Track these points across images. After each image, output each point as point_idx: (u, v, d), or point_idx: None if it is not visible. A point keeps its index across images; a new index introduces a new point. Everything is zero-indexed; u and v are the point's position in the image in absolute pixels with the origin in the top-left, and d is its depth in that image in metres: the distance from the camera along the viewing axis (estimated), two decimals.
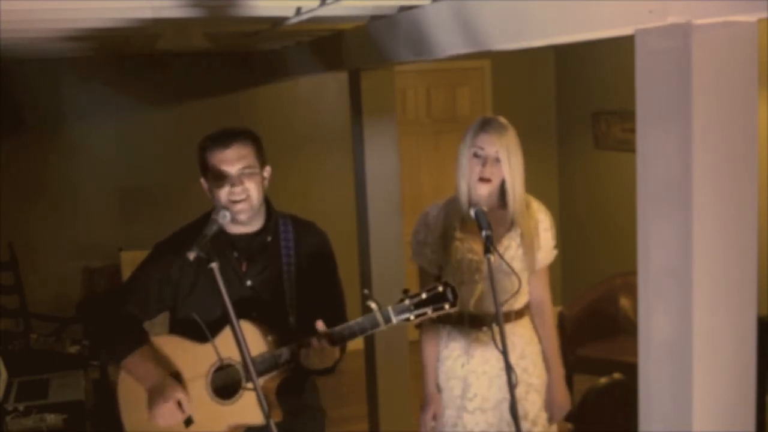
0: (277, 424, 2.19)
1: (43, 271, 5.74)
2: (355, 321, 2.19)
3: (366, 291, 2.21)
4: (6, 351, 4.51)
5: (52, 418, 3.64)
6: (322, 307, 2.30)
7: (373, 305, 2.15)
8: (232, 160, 2.28)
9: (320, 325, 2.17)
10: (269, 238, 2.39)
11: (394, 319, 2.16)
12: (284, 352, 2.22)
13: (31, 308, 5.39)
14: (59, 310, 5.45)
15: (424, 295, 2.15)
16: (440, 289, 2.17)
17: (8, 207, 5.58)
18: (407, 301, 2.16)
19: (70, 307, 5.56)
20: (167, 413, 2.26)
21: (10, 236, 5.52)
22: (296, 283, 2.39)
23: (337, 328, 2.18)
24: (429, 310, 2.16)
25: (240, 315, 2.12)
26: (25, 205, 5.70)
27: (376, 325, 2.17)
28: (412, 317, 2.16)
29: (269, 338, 2.23)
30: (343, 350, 2.34)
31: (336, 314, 2.33)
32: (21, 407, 3.72)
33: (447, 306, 2.16)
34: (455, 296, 2.18)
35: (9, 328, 5.26)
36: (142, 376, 2.34)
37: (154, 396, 2.28)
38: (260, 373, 2.19)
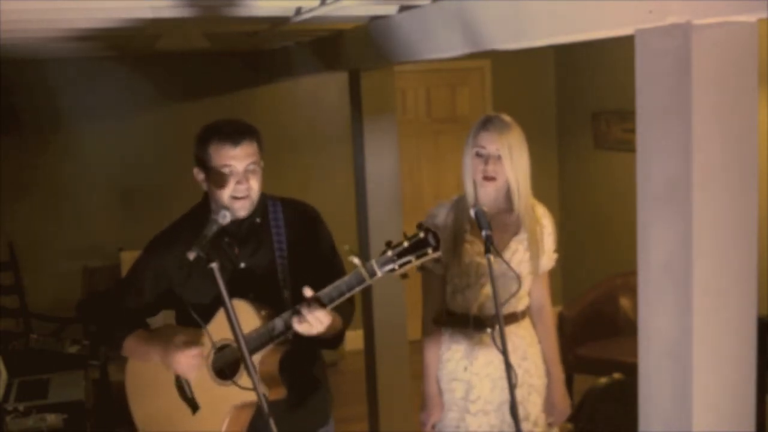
0: (284, 399, 2.24)
1: (43, 271, 5.73)
2: (341, 280, 2.17)
3: (347, 247, 2.16)
4: (6, 351, 4.51)
5: (52, 418, 3.65)
6: (322, 279, 2.26)
7: (356, 260, 2.11)
8: (241, 158, 2.28)
9: (307, 291, 2.16)
10: (258, 220, 2.41)
11: (379, 272, 2.11)
12: (277, 323, 2.22)
13: (31, 308, 5.39)
14: (59, 310, 5.44)
15: (406, 244, 2.11)
16: (421, 235, 2.11)
17: (8, 207, 5.58)
18: (390, 252, 2.11)
19: (70, 307, 5.54)
20: (188, 363, 2.27)
21: (10, 236, 5.52)
22: (289, 259, 2.40)
23: (325, 290, 2.16)
24: (413, 258, 2.10)
25: (236, 296, 2.14)
26: (25, 205, 5.69)
27: (361, 280, 2.14)
28: (396, 267, 2.11)
29: (263, 313, 2.25)
30: (349, 318, 2.35)
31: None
32: (21, 407, 3.72)
33: (430, 251, 2.10)
34: (437, 240, 2.11)
35: (9, 328, 5.26)
36: (145, 352, 2.37)
37: (168, 359, 2.30)
38: (256, 349, 2.20)
